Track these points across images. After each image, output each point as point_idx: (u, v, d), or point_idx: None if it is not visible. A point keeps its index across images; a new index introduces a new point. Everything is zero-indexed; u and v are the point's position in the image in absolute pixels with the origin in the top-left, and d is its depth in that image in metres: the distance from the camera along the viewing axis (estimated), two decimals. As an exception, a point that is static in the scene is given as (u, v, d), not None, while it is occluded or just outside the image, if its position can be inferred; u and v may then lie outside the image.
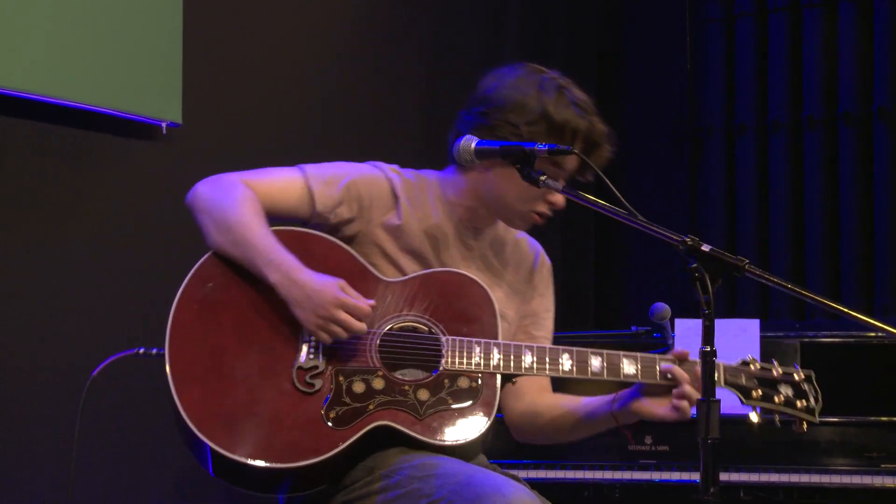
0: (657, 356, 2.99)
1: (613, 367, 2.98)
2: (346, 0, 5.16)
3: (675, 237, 2.56)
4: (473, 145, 2.91)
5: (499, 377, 2.94)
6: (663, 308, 4.39)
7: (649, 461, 4.34)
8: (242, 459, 2.73)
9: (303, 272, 2.83)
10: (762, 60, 6.30)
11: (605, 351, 3.00)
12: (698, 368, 2.82)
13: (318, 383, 2.84)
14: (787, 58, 6.21)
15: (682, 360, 2.98)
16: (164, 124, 4.16)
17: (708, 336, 2.43)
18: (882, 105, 5.94)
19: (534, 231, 3.33)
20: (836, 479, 4.18)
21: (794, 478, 4.20)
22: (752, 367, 3.05)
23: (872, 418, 4.30)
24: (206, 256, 2.91)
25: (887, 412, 4.30)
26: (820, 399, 3.02)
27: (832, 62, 6.11)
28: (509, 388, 3.16)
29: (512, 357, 2.95)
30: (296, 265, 2.84)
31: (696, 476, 4.24)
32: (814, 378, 3.05)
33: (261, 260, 2.84)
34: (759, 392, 3.01)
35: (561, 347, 2.99)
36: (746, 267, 2.51)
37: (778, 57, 6.23)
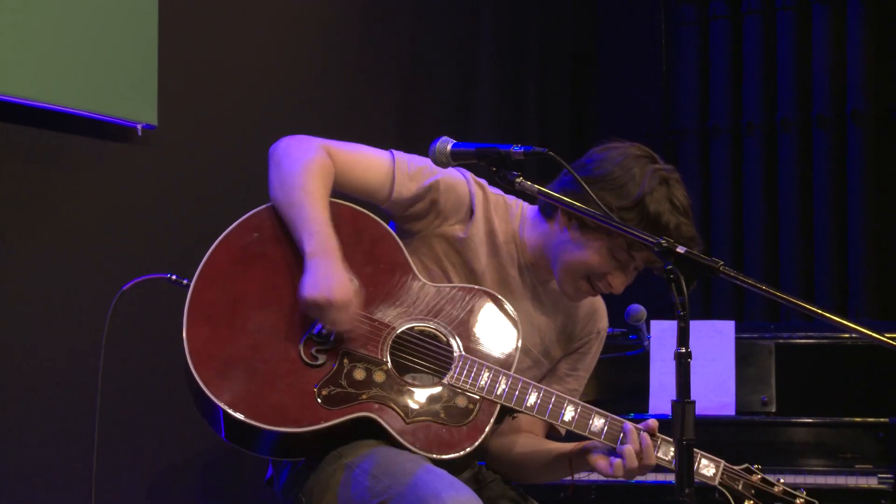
0: (637, 427, 2.97)
1: (613, 433, 2.97)
2: (322, 0, 5.16)
3: (650, 239, 2.57)
4: (449, 147, 2.89)
5: (497, 408, 2.92)
6: (639, 310, 4.41)
7: (625, 462, 4.35)
8: (223, 406, 2.76)
9: (337, 257, 2.84)
10: (736, 63, 6.34)
11: (609, 415, 2.98)
12: (645, 438, 2.91)
13: (322, 358, 2.86)
14: (761, 60, 6.25)
15: (652, 433, 2.97)
16: (139, 126, 4.14)
17: (683, 337, 2.43)
18: (855, 107, 5.98)
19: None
20: (810, 480, 4.19)
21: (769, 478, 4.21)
22: (753, 476, 3.01)
23: (846, 419, 4.32)
24: (261, 207, 2.96)
25: (861, 413, 4.32)
26: None
27: (806, 65, 6.15)
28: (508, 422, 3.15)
29: (517, 392, 2.94)
30: (335, 248, 2.85)
31: (670, 477, 4.24)
32: None
33: (307, 228, 2.85)
34: (751, 503, 2.97)
35: (567, 398, 2.97)
36: (721, 268, 2.52)
37: (752, 60, 6.26)
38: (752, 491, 2.98)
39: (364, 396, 2.85)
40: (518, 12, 6.29)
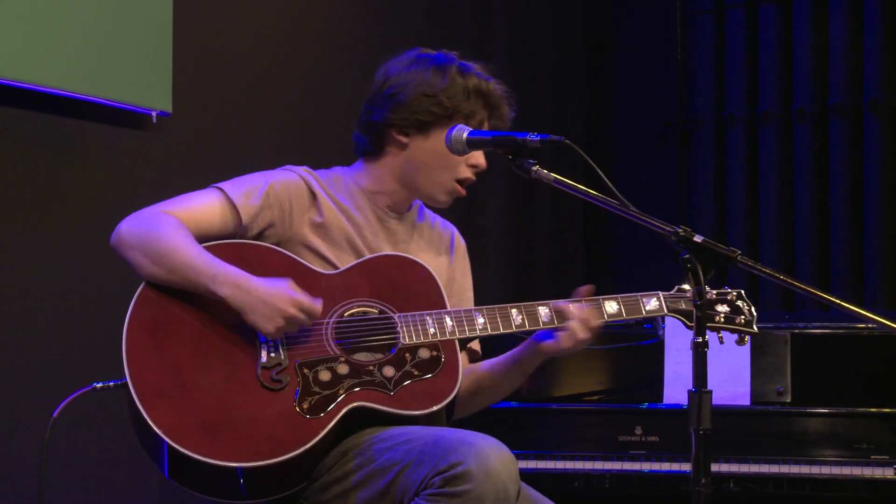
0: (560, 301, 3.10)
1: (560, 312, 3.07)
2: (336, -10, 5.16)
3: (667, 228, 2.56)
4: (465, 135, 2.95)
5: (457, 342, 3.01)
6: (654, 298, 4.39)
7: (639, 452, 4.34)
8: (229, 463, 2.73)
9: (251, 279, 2.85)
10: (752, 51, 6.30)
11: (549, 301, 3.10)
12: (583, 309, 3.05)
13: (284, 378, 2.86)
14: (778, 49, 6.21)
15: (586, 295, 3.11)
16: (154, 113, 4.15)
17: (700, 327, 2.43)
18: (872, 97, 5.95)
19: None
20: (825, 470, 4.18)
21: (784, 469, 4.20)
22: (688, 293, 3.13)
23: (862, 409, 4.30)
24: (142, 286, 2.91)
25: (877, 403, 4.31)
26: (754, 311, 3.18)
27: (823, 53, 6.11)
28: None
29: (465, 321, 3.02)
30: (241, 274, 2.86)
31: (685, 467, 4.25)
32: (744, 294, 3.20)
33: (205, 278, 2.85)
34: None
35: (509, 305, 3.07)
36: (738, 258, 2.51)
37: (768, 48, 6.23)
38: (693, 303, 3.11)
39: (341, 392, 2.87)
40: (532, 1, 6.27)
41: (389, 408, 2.89)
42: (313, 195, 3.11)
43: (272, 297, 2.82)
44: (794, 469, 4.20)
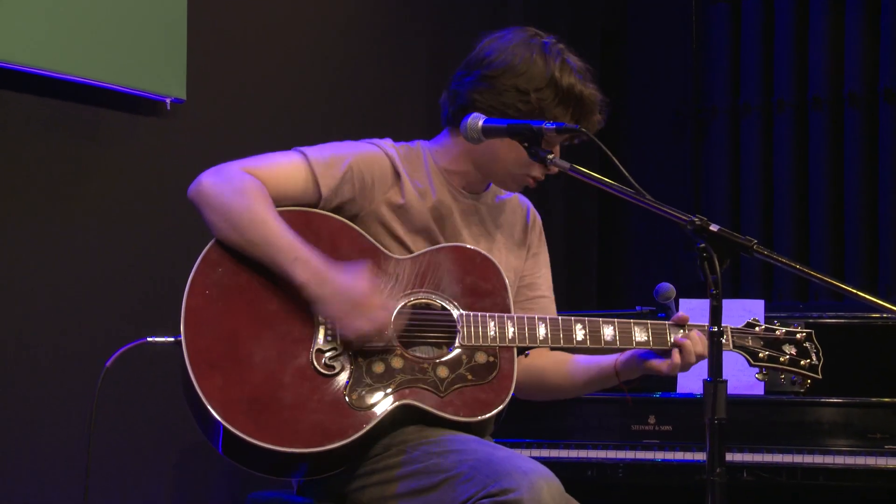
0: (665, 323, 3.09)
1: (626, 335, 3.06)
2: (352, -24, 5.16)
3: (683, 217, 2.56)
4: (481, 123, 2.92)
5: (515, 350, 2.96)
6: (668, 288, 4.37)
7: (653, 441, 4.34)
8: (271, 446, 2.72)
9: (331, 270, 2.81)
10: (768, 40, 6.28)
11: (615, 319, 3.07)
12: (695, 333, 3.04)
13: (337, 365, 2.83)
14: (793, 37, 6.19)
15: (682, 324, 3.09)
16: (168, 100, 4.16)
17: (716, 316, 2.43)
18: (888, 86, 5.93)
19: (540, 209, 3.33)
20: (839, 460, 4.18)
21: (798, 458, 4.20)
22: (756, 328, 3.15)
23: (875, 399, 4.30)
24: (211, 243, 2.87)
25: (891, 393, 4.31)
26: (821, 355, 3.17)
27: (838, 42, 6.09)
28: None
29: (527, 330, 2.98)
30: (322, 262, 2.81)
31: (699, 456, 4.26)
32: (814, 336, 3.18)
33: (285, 258, 2.80)
34: (766, 353, 3.14)
35: (573, 318, 3.04)
36: (755, 247, 2.51)
37: (784, 36, 6.21)
38: (761, 342, 3.15)
39: (392, 387, 2.85)
40: (548, -12, 6.27)
41: (438, 411, 2.85)
42: (397, 174, 3.04)
43: (349, 291, 2.80)
44: (808, 459, 4.20)
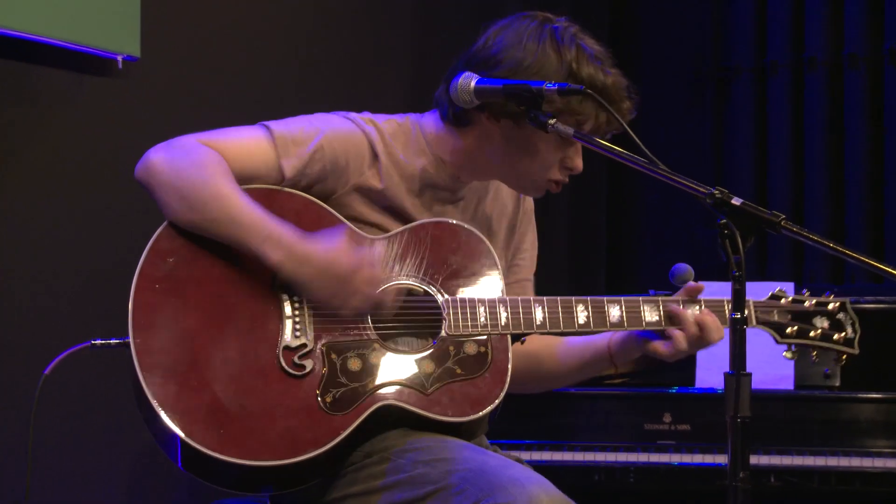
0: (678, 299, 3.06)
1: (634, 316, 3.04)
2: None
3: (701, 189, 2.55)
4: (473, 83, 2.89)
5: (509, 338, 2.95)
6: (686, 269, 4.35)
7: (668, 442, 4.36)
8: (235, 460, 2.70)
9: (307, 245, 2.77)
10: (797, -11, 6.29)
11: (621, 298, 3.04)
12: (705, 314, 3.01)
13: (308, 364, 2.81)
14: (826, -14, 6.19)
15: (692, 298, 3.06)
16: (119, 58, 4.14)
17: (739, 301, 2.42)
18: (932, 40, 5.94)
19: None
20: (878, 463, 4.20)
21: (832, 461, 4.22)
22: (783, 300, 3.13)
23: (920, 394, 4.33)
24: (161, 228, 2.83)
25: (936, 387, 4.33)
26: (858, 327, 3.11)
27: (877, -8, 6.09)
28: None
29: (521, 314, 2.96)
30: (297, 237, 2.77)
31: (720, 459, 4.26)
32: (849, 305, 3.14)
33: (254, 238, 2.76)
34: (794, 328, 3.11)
35: (574, 298, 3.02)
36: (782, 223, 2.50)
37: (815, -15, 6.21)
38: (789, 316, 3.12)
39: (371, 385, 2.83)
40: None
41: (423, 410, 2.84)
42: (375, 156, 3.00)
43: (332, 266, 2.75)
44: (844, 462, 4.22)
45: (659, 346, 3.04)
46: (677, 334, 3.01)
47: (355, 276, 2.78)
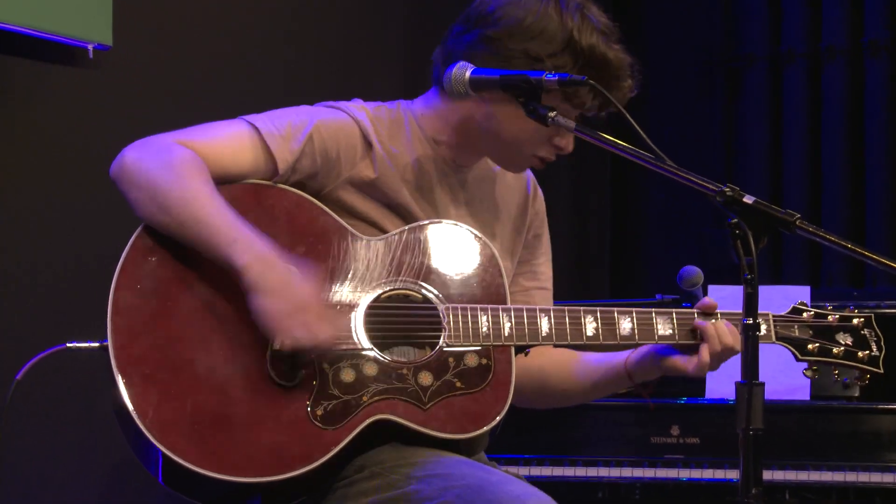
0: (693, 312, 3.07)
1: (646, 328, 3.04)
2: None
3: (711, 186, 2.56)
4: (468, 74, 2.89)
5: (513, 350, 2.94)
6: (695, 272, 4.36)
7: (676, 456, 4.36)
8: (219, 475, 2.70)
9: (276, 255, 2.75)
10: (815, -27, 6.29)
11: (633, 309, 3.04)
12: (723, 323, 3.01)
13: (298, 373, 2.80)
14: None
15: (709, 312, 3.06)
16: (90, 46, 4.14)
17: (751, 306, 2.43)
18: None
19: (539, 177, 3.33)
20: (902, 479, 4.21)
21: (851, 476, 4.22)
22: (804, 314, 3.13)
23: (946, 406, 4.33)
24: (140, 228, 2.83)
25: (963, 399, 4.33)
26: (883, 345, 3.13)
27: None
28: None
29: (526, 325, 2.96)
30: (269, 247, 2.76)
31: (731, 474, 4.27)
32: (873, 321, 3.16)
33: (221, 240, 2.74)
34: (816, 345, 3.11)
35: (582, 308, 3.01)
36: (797, 222, 2.50)
37: (834, -31, 6.22)
38: (810, 331, 3.12)
39: (365, 398, 2.82)
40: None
41: (419, 426, 2.83)
42: (368, 144, 3.00)
43: (298, 286, 2.74)
44: (863, 477, 4.22)
45: (679, 361, 3.05)
46: (702, 349, 3.01)
47: (315, 309, 2.76)
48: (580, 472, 4.35)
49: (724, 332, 3.02)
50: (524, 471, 4.29)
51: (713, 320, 3.05)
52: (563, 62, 2.93)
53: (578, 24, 2.96)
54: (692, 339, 3.05)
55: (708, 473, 4.30)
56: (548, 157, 3.08)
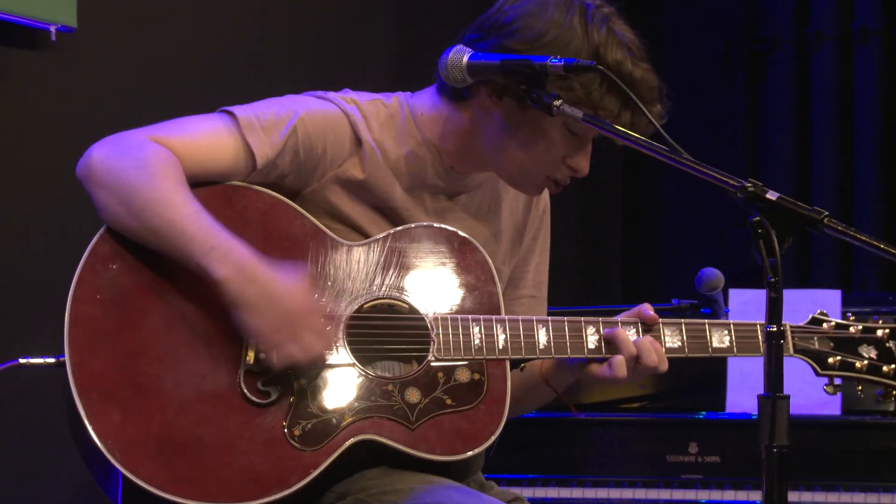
0: (704, 323, 3.07)
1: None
2: None
3: (731, 181, 2.56)
4: (466, 59, 2.87)
5: (508, 364, 2.94)
6: (715, 275, 4.41)
7: (694, 476, 4.36)
8: (187, 501, 2.69)
9: (261, 265, 2.75)
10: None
11: (637, 320, 3.03)
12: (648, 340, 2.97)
13: (273, 391, 2.80)
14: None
15: (648, 324, 3.04)
16: (53, 28, 4.15)
17: (775, 312, 2.43)
18: None
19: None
20: (941, 500, 4.22)
21: (885, 499, 4.23)
22: (824, 325, 3.12)
23: None
24: (103, 229, 2.82)
25: None
26: None
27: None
28: None
29: (522, 336, 2.96)
30: (250, 254, 2.75)
31: (754, 496, 4.28)
32: None
33: (197, 248, 2.73)
34: (837, 359, 3.10)
35: (584, 319, 3.00)
36: (825, 221, 2.51)
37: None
38: (831, 344, 3.12)
39: (347, 418, 2.82)
40: None
41: (407, 447, 2.83)
42: (358, 140, 2.99)
43: (285, 298, 2.74)
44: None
45: (596, 368, 3.02)
46: (616, 359, 2.98)
47: (305, 320, 2.77)
48: (589, 493, 4.35)
49: (643, 344, 2.98)
50: (527, 492, 4.29)
51: (640, 331, 3.02)
52: (586, 79, 2.87)
53: (605, 39, 2.91)
54: (705, 352, 3.05)
55: (729, 495, 4.30)
56: (562, 179, 3.05)
